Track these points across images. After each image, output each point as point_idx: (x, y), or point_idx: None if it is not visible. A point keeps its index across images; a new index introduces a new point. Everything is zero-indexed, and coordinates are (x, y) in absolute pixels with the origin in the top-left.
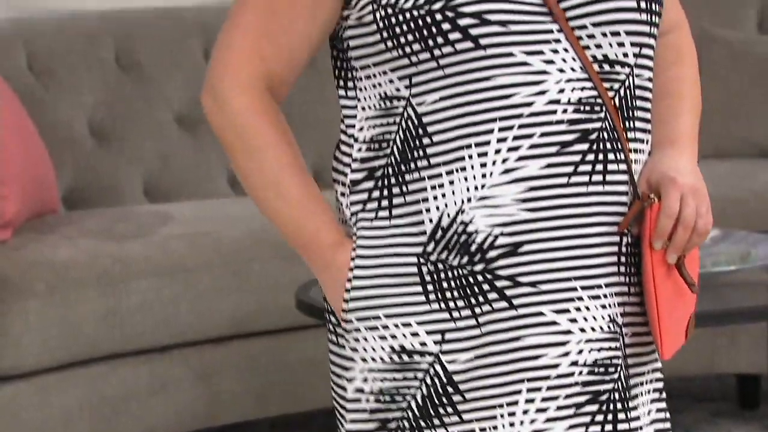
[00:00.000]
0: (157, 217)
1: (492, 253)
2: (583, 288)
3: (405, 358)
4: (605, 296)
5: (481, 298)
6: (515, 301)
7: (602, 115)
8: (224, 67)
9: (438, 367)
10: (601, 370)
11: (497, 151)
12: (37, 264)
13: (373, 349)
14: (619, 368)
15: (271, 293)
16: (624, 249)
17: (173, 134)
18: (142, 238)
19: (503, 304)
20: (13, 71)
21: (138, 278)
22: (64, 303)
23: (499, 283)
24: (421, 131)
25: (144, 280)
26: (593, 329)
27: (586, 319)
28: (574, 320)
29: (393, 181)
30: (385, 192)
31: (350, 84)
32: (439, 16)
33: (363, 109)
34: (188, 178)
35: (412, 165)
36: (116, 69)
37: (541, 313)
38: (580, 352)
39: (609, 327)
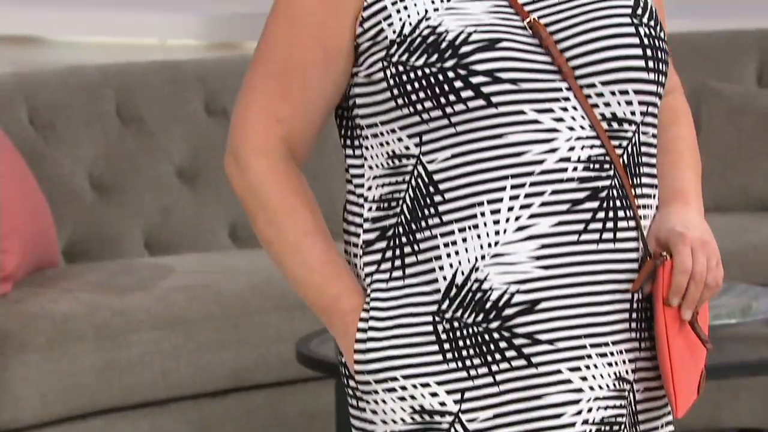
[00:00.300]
0: (157, 269)
1: (508, 311)
2: (592, 345)
3: (426, 418)
4: (612, 354)
5: (498, 356)
6: (534, 359)
7: (611, 172)
8: (243, 132)
9: (458, 427)
10: (607, 428)
11: (510, 209)
12: (37, 317)
13: (393, 411)
14: (622, 426)
15: (271, 346)
16: (635, 305)
17: (174, 187)
18: (143, 290)
19: (522, 362)
20: (14, 125)
21: (138, 331)
22: (64, 356)
23: (517, 341)
24: (432, 189)
25: (144, 333)
26: (600, 387)
27: (594, 377)
28: (584, 378)
29: (404, 240)
30: (397, 252)
31: (356, 143)
32: (451, 74)
33: (370, 168)
34: (189, 231)
35: (423, 223)
36: (117, 122)
37: (559, 371)
38: (590, 410)
39: (615, 385)
